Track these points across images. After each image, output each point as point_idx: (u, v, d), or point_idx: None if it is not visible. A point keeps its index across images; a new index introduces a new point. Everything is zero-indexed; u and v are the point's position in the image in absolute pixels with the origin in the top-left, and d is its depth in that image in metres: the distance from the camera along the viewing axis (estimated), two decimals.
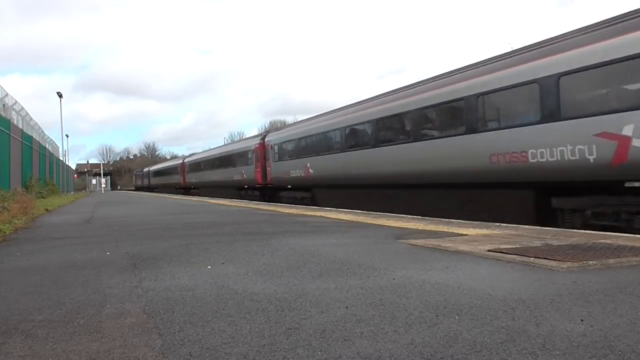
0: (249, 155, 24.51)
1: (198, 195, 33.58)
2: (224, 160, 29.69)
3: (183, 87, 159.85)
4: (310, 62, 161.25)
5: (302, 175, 17.80)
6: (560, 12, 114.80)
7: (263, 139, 22.96)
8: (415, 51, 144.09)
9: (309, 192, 17.94)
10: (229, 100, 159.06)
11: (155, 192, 52.32)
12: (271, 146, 21.47)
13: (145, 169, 68.63)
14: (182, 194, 40.42)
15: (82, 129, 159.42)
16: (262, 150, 22.65)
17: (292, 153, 19.08)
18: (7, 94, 21.58)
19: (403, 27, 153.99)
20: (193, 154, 44.30)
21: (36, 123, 30.14)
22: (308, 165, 17.27)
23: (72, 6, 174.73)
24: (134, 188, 77.59)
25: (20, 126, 22.34)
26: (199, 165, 36.54)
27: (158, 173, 55.98)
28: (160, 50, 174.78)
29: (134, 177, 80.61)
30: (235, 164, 27.10)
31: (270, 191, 22.32)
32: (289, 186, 19.41)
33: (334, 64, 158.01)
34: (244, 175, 25.16)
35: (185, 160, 42.65)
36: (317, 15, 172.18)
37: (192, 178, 38.20)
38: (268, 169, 21.67)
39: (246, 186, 25.24)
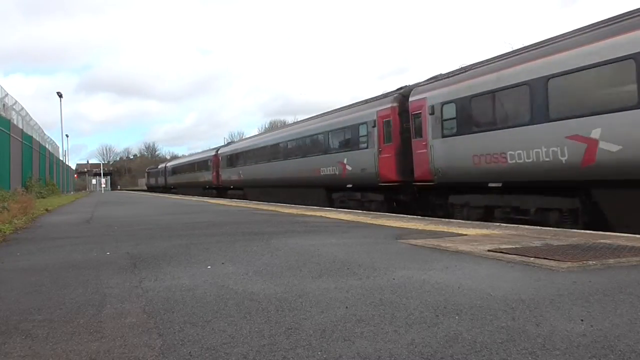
0: (367, 130, 13.81)
1: (244, 199, 23.79)
2: (307, 143, 18.27)
3: (185, 87, 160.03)
4: (311, 62, 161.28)
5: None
6: (563, 12, 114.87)
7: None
8: (417, 51, 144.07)
9: None
10: (230, 101, 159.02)
11: (174, 193, 42.49)
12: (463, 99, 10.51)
13: (161, 166, 56.15)
14: (216, 196, 30.35)
15: (84, 129, 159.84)
16: (421, 115, 11.77)
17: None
18: (7, 94, 21.58)
19: (405, 27, 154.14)
20: (231, 143, 33.97)
21: (36, 123, 30.15)
22: None
23: (76, 7, 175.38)
24: (146, 188, 64.91)
25: (20, 126, 22.34)
26: (247, 155, 25.53)
27: (179, 170, 44.34)
28: (162, 51, 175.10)
29: (146, 175, 67.09)
30: (328, 148, 16.26)
31: (435, 193, 11.73)
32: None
33: (335, 65, 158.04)
34: (348, 167, 14.76)
35: (219, 152, 31.74)
36: (319, 15, 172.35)
37: (233, 175, 27.83)
38: (436, 147, 11.19)
39: (350, 185, 15.06)
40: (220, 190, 31.34)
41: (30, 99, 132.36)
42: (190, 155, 46.67)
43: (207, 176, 33.62)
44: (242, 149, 27.14)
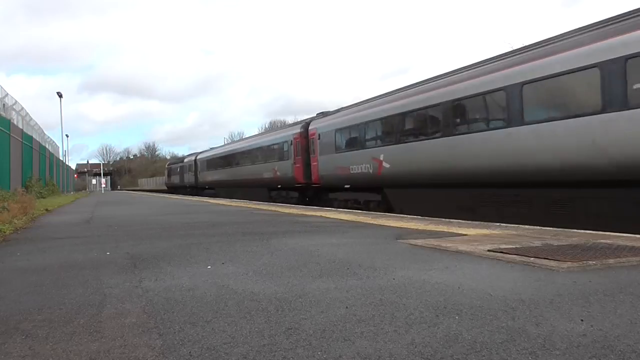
0: None
1: (382, 211, 12.63)
2: None
3: (186, 87, 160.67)
4: (313, 62, 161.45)
5: None
6: (564, 12, 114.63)
7: None
8: (419, 51, 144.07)
9: None
10: (231, 101, 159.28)
11: (212, 196, 29.70)
12: None
13: (188, 159, 40.58)
14: (299, 202, 18.38)
15: (86, 129, 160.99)
16: None
17: None
18: (7, 94, 21.59)
19: (406, 27, 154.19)
20: (329, 113, 18.03)
21: (36, 123, 30.16)
22: None
23: (79, 8, 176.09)
24: (165, 188, 49.90)
25: (20, 126, 22.33)
26: (409, 121, 12.64)
27: (220, 162, 30.06)
28: (164, 51, 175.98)
29: (166, 172, 51.55)
30: None
31: None
32: None
33: (336, 65, 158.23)
34: None
35: (314, 126, 17.78)
36: (320, 15, 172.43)
37: (357, 162, 14.43)
38: None
39: None
40: (313, 192, 17.92)
41: (32, 99, 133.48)
42: (243, 139, 30.33)
43: (281, 169, 20.05)
44: (393, 112, 12.86)
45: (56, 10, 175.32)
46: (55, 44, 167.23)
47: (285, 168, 19.90)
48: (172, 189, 44.32)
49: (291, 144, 19.49)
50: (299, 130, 19.12)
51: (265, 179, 21.91)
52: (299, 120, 23.66)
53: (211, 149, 38.00)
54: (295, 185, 19.21)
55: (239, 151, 27.22)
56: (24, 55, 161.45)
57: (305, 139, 18.47)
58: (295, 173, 18.96)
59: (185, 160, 41.34)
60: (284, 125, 23.32)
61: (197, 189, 35.91)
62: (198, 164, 36.18)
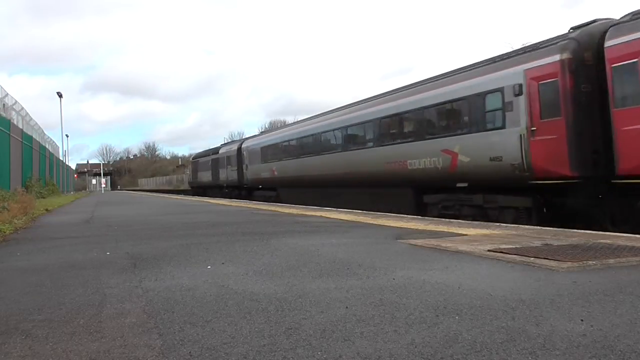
0: None
1: None
2: None
3: (188, 87, 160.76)
4: (314, 62, 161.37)
5: None
6: (565, 12, 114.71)
7: None
8: (421, 51, 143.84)
9: None
10: (233, 101, 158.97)
11: (270, 200, 19.92)
12: None
13: (226, 149, 28.99)
14: (516, 221, 8.52)
15: (87, 129, 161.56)
16: None
17: None
18: (7, 94, 21.58)
19: (407, 27, 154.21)
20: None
21: (36, 123, 30.14)
22: None
23: (82, 8, 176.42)
24: (189, 188, 39.59)
25: (20, 126, 22.32)
26: None
27: (295, 147, 18.91)
28: (166, 51, 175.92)
29: (190, 167, 40.69)
30: None
31: None
32: None
33: (337, 64, 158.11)
34: None
35: (628, 37, 7.03)
36: (321, 15, 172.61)
37: None
38: None
39: None
40: (593, 197, 8.04)
41: (34, 100, 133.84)
42: (352, 104, 15.61)
43: (476, 151, 9.77)
44: None
45: (59, 10, 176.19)
46: (58, 44, 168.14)
47: (492, 146, 9.55)
48: (200, 190, 33.20)
49: (518, 92, 8.97)
50: (549, 60, 8.61)
51: (418, 173, 11.54)
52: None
53: (262, 133, 28.93)
54: (530, 182, 8.86)
55: (343, 125, 15.19)
56: (26, 55, 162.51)
57: (568, 76, 8.28)
58: (533, 156, 8.76)
59: (222, 150, 29.20)
60: (477, 62, 10.64)
61: (243, 190, 25.07)
62: (245, 155, 24.61)
